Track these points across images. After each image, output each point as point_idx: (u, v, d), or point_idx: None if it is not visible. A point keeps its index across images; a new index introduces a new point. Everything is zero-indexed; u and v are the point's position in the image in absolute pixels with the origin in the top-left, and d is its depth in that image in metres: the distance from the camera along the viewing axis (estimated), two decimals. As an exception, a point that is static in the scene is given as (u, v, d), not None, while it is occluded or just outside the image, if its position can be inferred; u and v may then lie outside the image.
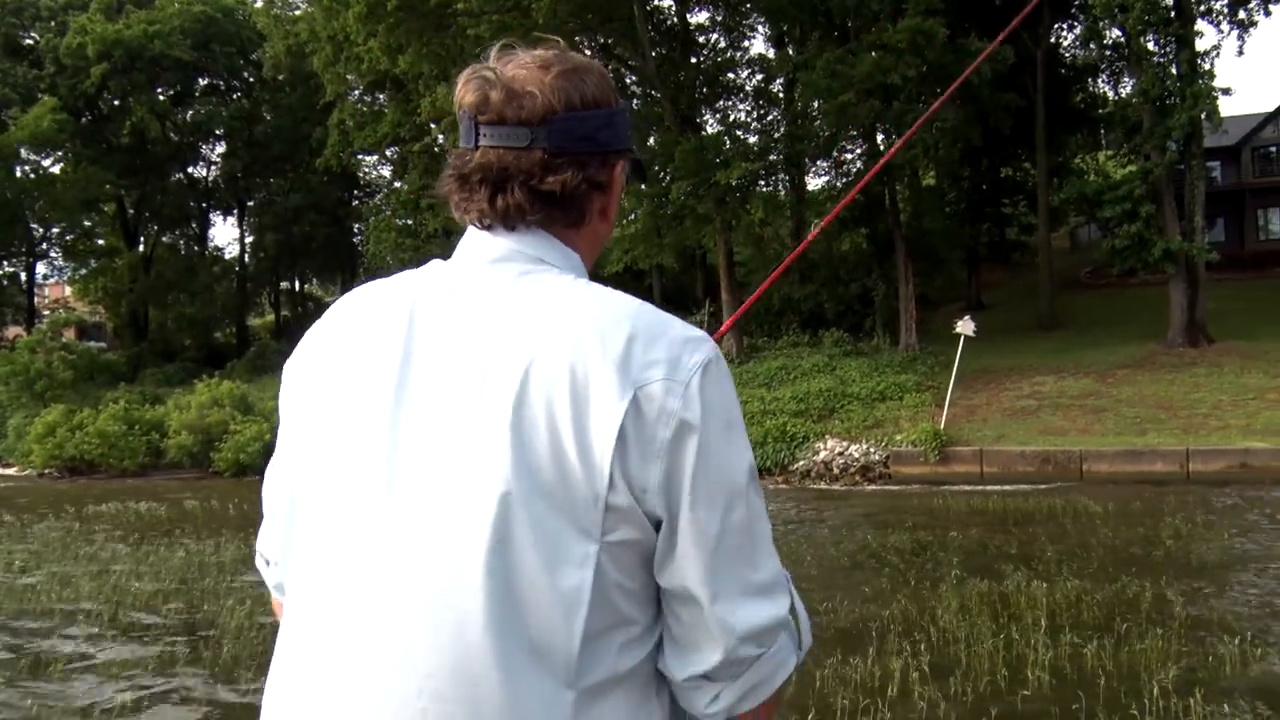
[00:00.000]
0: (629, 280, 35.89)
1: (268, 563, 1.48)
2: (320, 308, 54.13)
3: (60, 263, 53.22)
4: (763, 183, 30.55)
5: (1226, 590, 9.77)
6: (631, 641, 1.26)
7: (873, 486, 19.77)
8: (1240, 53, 39.41)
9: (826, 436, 22.17)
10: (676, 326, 1.27)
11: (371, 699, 1.21)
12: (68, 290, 56.69)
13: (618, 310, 1.26)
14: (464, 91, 1.32)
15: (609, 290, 1.31)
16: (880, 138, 29.89)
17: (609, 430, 1.17)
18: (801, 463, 21.52)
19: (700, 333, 1.28)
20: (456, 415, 1.22)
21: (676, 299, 36.67)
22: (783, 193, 32.25)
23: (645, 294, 35.55)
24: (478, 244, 1.34)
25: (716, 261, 32.06)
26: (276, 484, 1.41)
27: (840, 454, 21.26)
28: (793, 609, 1.32)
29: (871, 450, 21.09)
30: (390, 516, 1.22)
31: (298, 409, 1.35)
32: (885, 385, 24.28)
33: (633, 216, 30.80)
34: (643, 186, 31.51)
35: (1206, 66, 25.40)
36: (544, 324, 1.24)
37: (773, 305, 33.05)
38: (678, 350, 1.23)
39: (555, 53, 1.35)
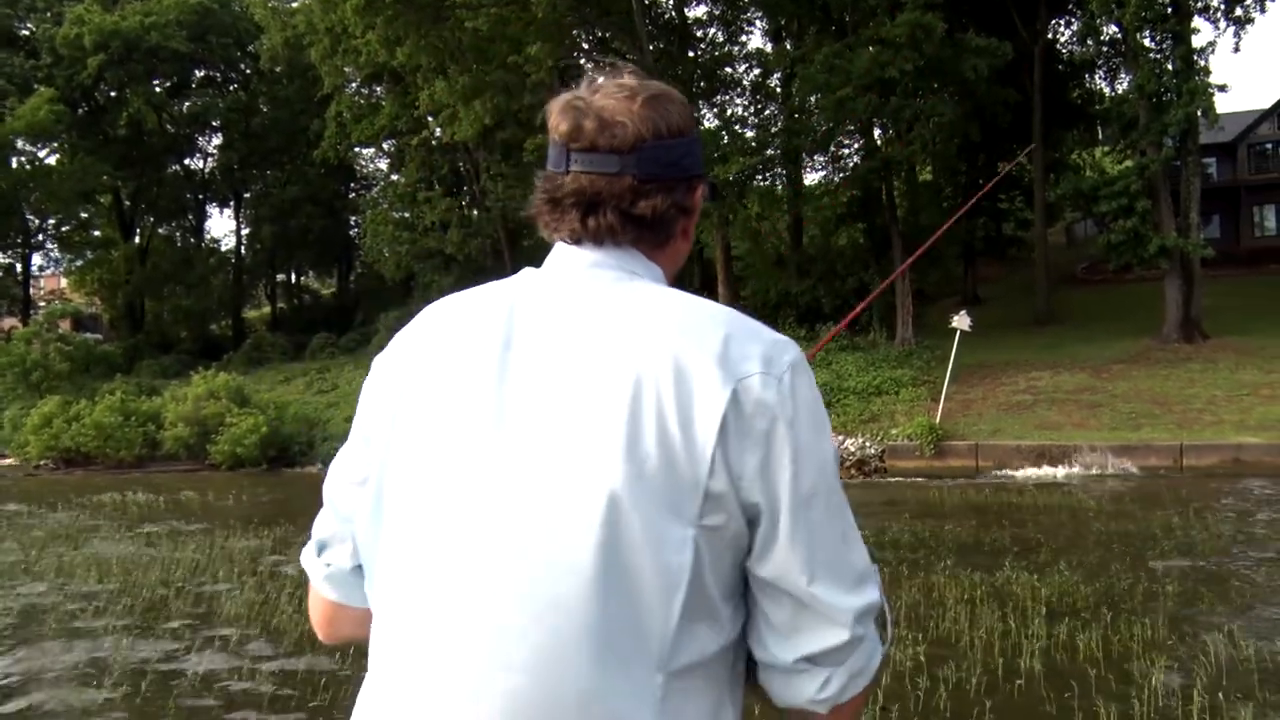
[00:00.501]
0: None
1: (319, 551, 1.50)
2: (317, 300, 54.53)
3: (56, 254, 53.28)
4: (760, 177, 30.58)
5: (1217, 582, 9.86)
6: (716, 630, 1.28)
7: (869, 480, 19.83)
8: (1236, 49, 39.25)
9: (822, 430, 22.21)
10: (767, 330, 1.33)
11: (460, 687, 1.24)
12: (63, 282, 56.73)
13: (713, 312, 1.32)
14: (559, 120, 1.38)
15: (703, 299, 1.36)
16: (878, 132, 29.94)
17: (713, 419, 1.22)
18: (797, 456, 21.57)
19: (786, 337, 1.34)
20: (562, 407, 1.26)
21: (673, 293, 36.73)
22: (780, 187, 32.30)
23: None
24: (571, 254, 1.40)
25: (713, 256, 32.11)
26: (352, 475, 1.42)
27: (836, 448, 21.31)
28: (882, 599, 1.35)
29: (867, 444, 21.15)
30: (494, 504, 1.26)
31: (388, 404, 1.38)
32: (881, 380, 24.36)
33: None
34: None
35: (1203, 63, 25.53)
36: (646, 322, 1.29)
37: (769, 299, 33.11)
38: (770, 349, 1.28)
39: (639, 81, 1.40)
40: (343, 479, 1.45)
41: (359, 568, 1.44)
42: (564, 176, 1.37)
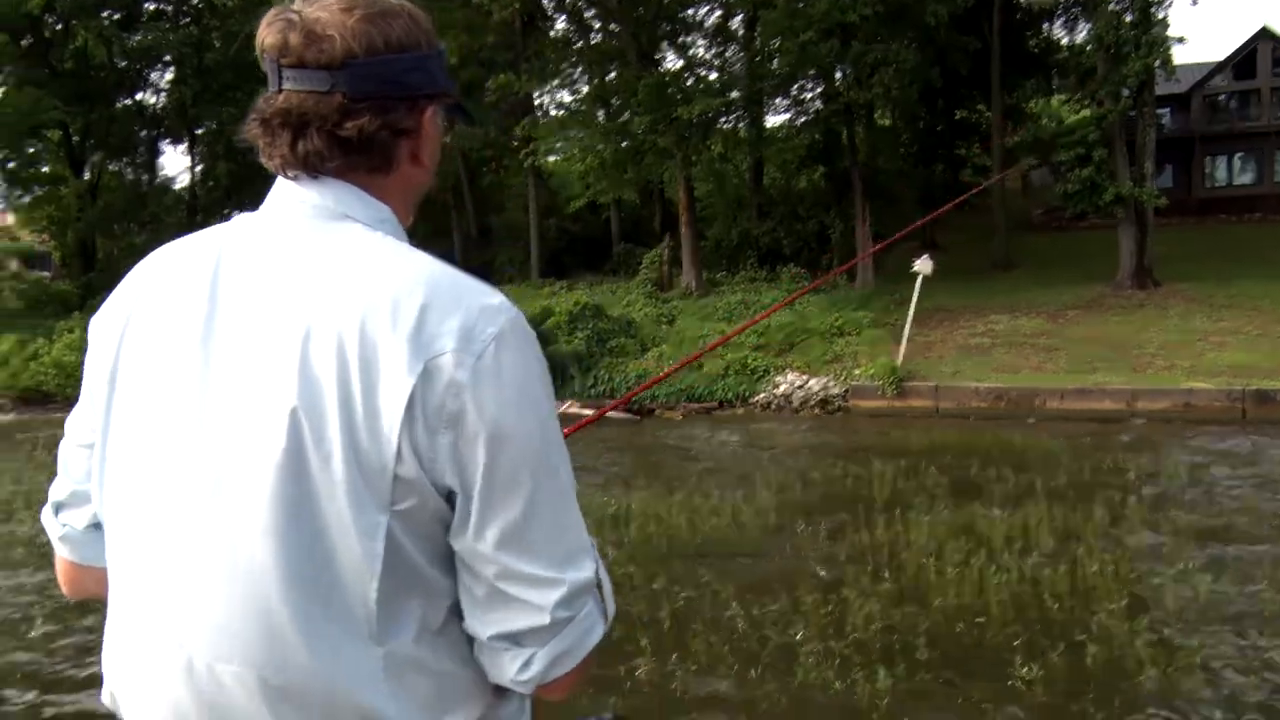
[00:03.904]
0: (587, 213, 35.96)
1: (56, 512, 1.48)
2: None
3: (3, 190, 52.13)
4: (723, 119, 30.68)
5: (1167, 521, 10.30)
6: (436, 600, 1.27)
7: (832, 419, 20.22)
8: (1195, 2, 39.63)
9: (786, 370, 22.56)
10: (475, 295, 1.25)
11: (163, 661, 1.26)
12: (10, 219, 55.62)
13: (415, 276, 1.24)
14: (265, 33, 1.31)
15: (412, 251, 1.30)
16: (839, 76, 30.08)
17: (398, 403, 1.17)
18: (761, 395, 21.92)
19: (500, 300, 1.26)
20: (253, 376, 1.22)
21: (635, 234, 36.82)
22: (742, 130, 32.42)
23: (603, 228, 35.04)
24: (283, 193, 1.34)
25: (676, 197, 32.24)
26: (80, 438, 1.42)
27: (800, 387, 21.67)
28: (597, 575, 1.30)
29: (830, 384, 21.49)
30: (191, 473, 1.24)
31: (105, 364, 1.35)
32: (844, 321, 24.70)
33: (597, 149, 30.83)
34: (601, 121, 31.52)
35: (1161, 15, 25.81)
36: (339, 285, 1.23)
37: (730, 240, 33.33)
38: (473, 320, 1.21)
39: None
40: (72, 441, 1.44)
41: (96, 527, 1.41)
42: (277, 96, 1.30)
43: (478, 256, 39.13)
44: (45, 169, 50.10)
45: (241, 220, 1.37)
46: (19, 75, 43.89)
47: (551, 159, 36.65)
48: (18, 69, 43.61)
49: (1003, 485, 11.61)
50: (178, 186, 53.22)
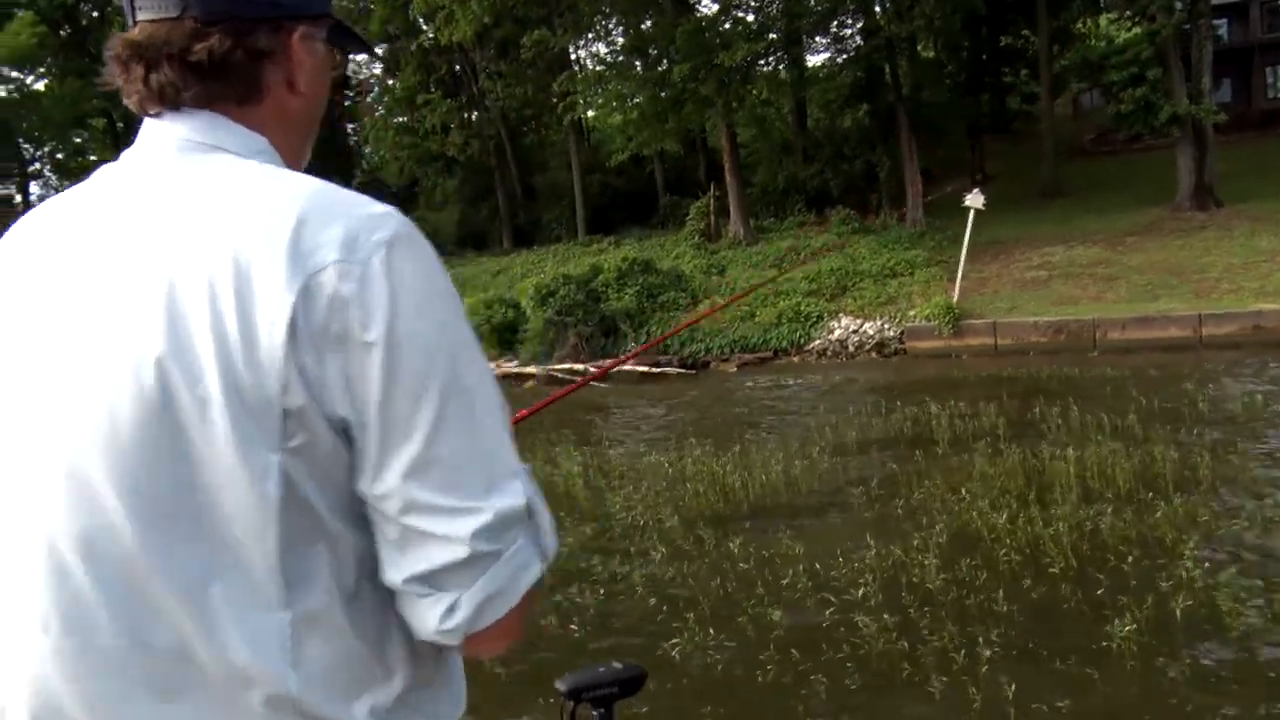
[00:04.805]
0: (631, 167, 35.64)
1: None
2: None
3: (55, 182, 52.78)
4: (762, 62, 30.14)
5: (1247, 451, 9.94)
6: (349, 560, 1.14)
7: (888, 363, 19.92)
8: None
9: (840, 314, 22.27)
10: (360, 205, 1.14)
11: (24, 637, 1.13)
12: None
13: (290, 192, 1.13)
14: None
15: (288, 173, 1.20)
16: (878, 10, 29.39)
17: (278, 326, 1.06)
18: (817, 342, 21.67)
19: (388, 208, 1.15)
20: (119, 324, 1.10)
21: (680, 185, 36.43)
22: (783, 71, 31.87)
23: (648, 181, 34.82)
24: (147, 134, 1.24)
25: (719, 145, 31.80)
26: None
27: (854, 331, 21.38)
28: (529, 505, 1.16)
29: (885, 326, 21.21)
30: (54, 434, 1.11)
31: None
32: (895, 261, 24.30)
33: (635, 100, 30.44)
34: (639, 71, 31.10)
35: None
36: (210, 213, 1.12)
37: (776, 185, 32.88)
38: (355, 227, 1.10)
39: None
40: None
41: None
42: (132, 30, 1.22)
43: (524, 216, 39.00)
44: (93, 157, 50.54)
45: (107, 166, 1.25)
46: (60, 66, 44.25)
47: (591, 113, 36.30)
48: (59, 61, 43.92)
49: (1066, 424, 11.28)
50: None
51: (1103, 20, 34.08)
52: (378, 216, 1.12)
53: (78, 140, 49.03)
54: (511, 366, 23.92)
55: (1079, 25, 33.15)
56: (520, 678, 5.90)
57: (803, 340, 21.90)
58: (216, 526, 1.08)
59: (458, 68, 39.61)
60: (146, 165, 1.21)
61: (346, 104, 50.25)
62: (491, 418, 1.15)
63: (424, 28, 36.31)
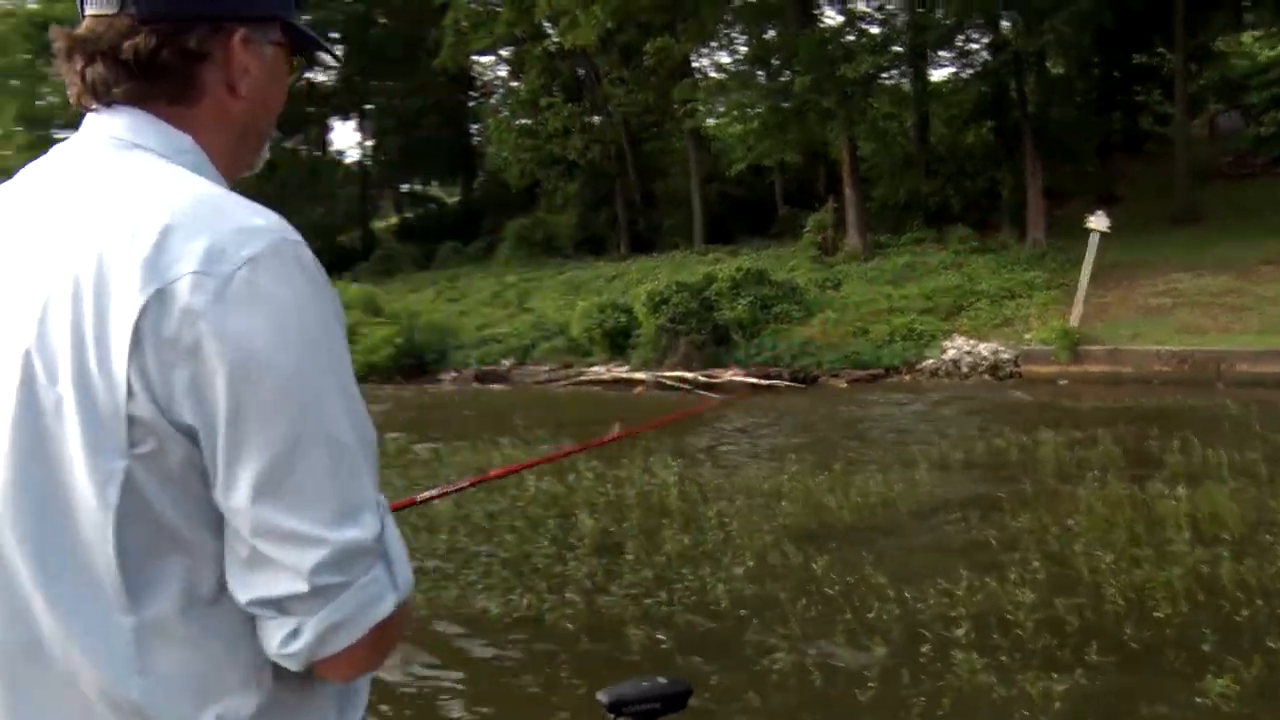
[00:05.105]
0: (750, 176, 35.53)
1: None
2: (442, 209, 55.02)
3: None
4: (885, 75, 29.78)
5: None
6: (206, 567, 1.13)
7: (1002, 386, 19.50)
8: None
9: (954, 334, 21.90)
10: (235, 216, 1.12)
11: None
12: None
13: (169, 198, 1.12)
14: None
15: (186, 177, 1.18)
16: (1006, 24, 28.81)
17: (124, 333, 1.06)
18: (929, 361, 21.33)
19: (268, 223, 1.13)
20: (6, 310, 1.14)
21: (799, 196, 36.16)
22: (907, 85, 31.47)
23: (768, 191, 34.74)
24: (84, 128, 1.25)
25: (839, 157, 31.50)
26: None
27: (968, 352, 20.99)
28: (381, 538, 1.15)
29: (1001, 349, 20.79)
30: None
31: None
32: (1014, 282, 23.81)
33: (756, 111, 30.31)
34: (761, 81, 30.96)
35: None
36: (95, 209, 1.13)
37: (897, 200, 32.44)
38: (222, 241, 1.08)
39: None
40: None
41: None
42: (79, 26, 1.24)
43: (644, 223, 39.13)
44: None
45: (44, 156, 1.27)
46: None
47: (711, 122, 36.27)
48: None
49: (1185, 459, 10.88)
50: (348, 160, 54.75)
51: (1246, 37, 32.93)
52: (249, 230, 1.11)
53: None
54: (622, 371, 24.02)
55: (1219, 43, 32.07)
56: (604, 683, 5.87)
57: (915, 359, 21.59)
58: (71, 528, 1.10)
59: (581, 72, 39.92)
60: (69, 159, 1.23)
61: (471, 105, 51.09)
62: (351, 448, 1.13)
63: (549, 32, 36.67)
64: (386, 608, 1.15)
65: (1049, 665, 6.04)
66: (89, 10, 1.22)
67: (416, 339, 28.82)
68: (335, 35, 49.41)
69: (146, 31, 1.20)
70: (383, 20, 48.74)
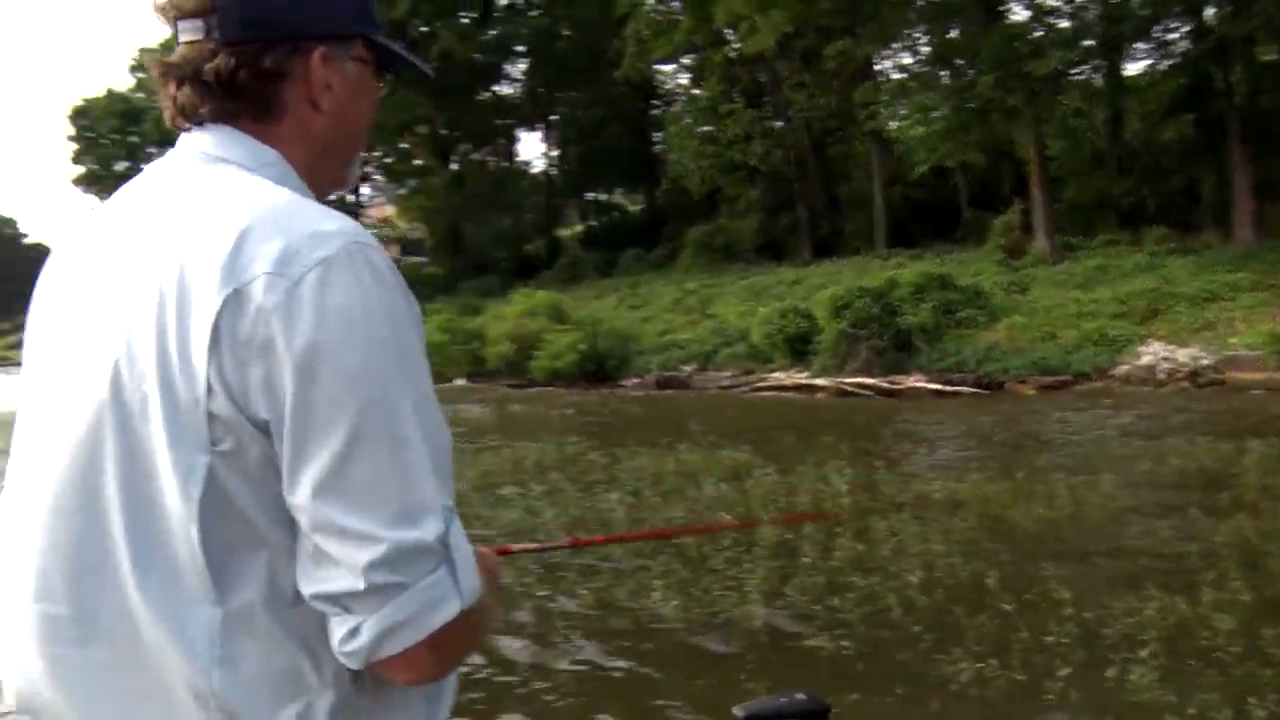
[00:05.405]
0: (934, 178, 34.85)
1: None
2: (625, 217, 55.78)
3: (383, 185, 56.83)
4: (1076, 71, 28.74)
5: None
6: (288, 564, 1.16)
7: (1201, 394, 18.56)
8: None
9: (1150, 339, 20.96)
10: (309, 220, 1.16)
11: (12, 619, 1.24)
12: (388, 209, 60.54)
13: (249, 204, 1.17)
14: None
15: (270, 187, 1.22)
16: (1209, 11, 27.43)
17: (204, 333, 1.10)
18: (1123, 367, 20.48)
19: (341, 227, 1.16)
20: (98, 332, 1.20)
21: (984, 198, 35.23)
22: (1098, 80, 30.28)
23: (951, 193, 34.04)
24: (177, 146, 1.32)
25: (1026, 157, 30.55)
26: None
27: (1165, 358, 20.07)
28: (445, 541, 1.14)
29: (1201, 355, 19.79)
30: (42, 432, 1.24)
31: (29, 331, 1.34)
32: (1216, 285, 22.63)
33: (939, 113, 29.68)
34: (945, 81, 30.29)
35: None
36: (181, 220, 1.19)
37: (1086, 202, 31.25)
38: (295, 244, 1.12)
39: None
40: None
41: None
42: (173, 53, 1.30)
43: (828, 227, 38.78)
44: (417, 162, 54.03)
45: (139, 174, 1.34)
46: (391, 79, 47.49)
47: (893, 124, 35.70)
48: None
49: None
50: (534, 171, 55.96)
51: None
52: (322, 234, 1.14)
53: (403, 146, 52.49)
54: (802, 378, 23.85)
55: None
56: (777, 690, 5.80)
57: (1107, 365, 20.74)
58: (156, 520, 1.14)
59: (761, 78, 39.86)
60: (160, 175, 1.30)
61: (653, 113, 51.57)
62: (417, 447, 1.14)
63: (729, 38, 36.73)
64: (449, 613, 1.14)
65: (1253, 694, 5.69)
66: (182, 37, 1.28)
67: (600, 345, 29.24)
68: (520, 49, 50.73)
69: (225, 54, 1.25)
70: (566, 33, 49.74)
